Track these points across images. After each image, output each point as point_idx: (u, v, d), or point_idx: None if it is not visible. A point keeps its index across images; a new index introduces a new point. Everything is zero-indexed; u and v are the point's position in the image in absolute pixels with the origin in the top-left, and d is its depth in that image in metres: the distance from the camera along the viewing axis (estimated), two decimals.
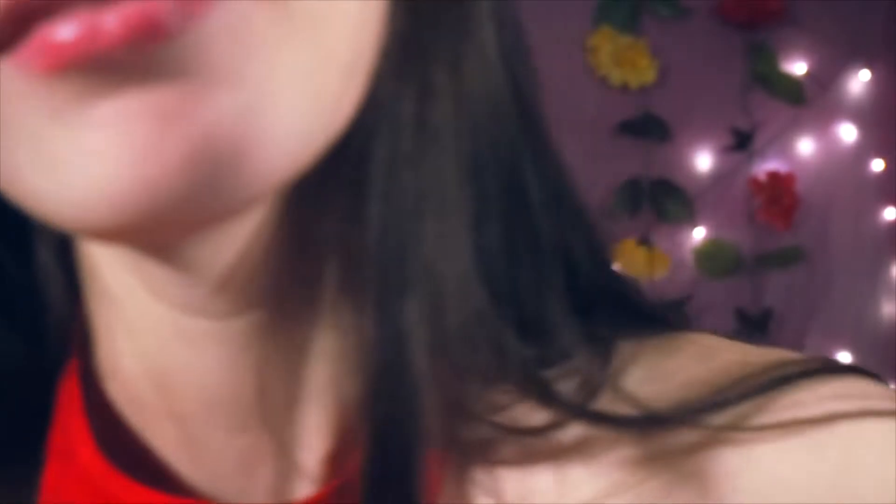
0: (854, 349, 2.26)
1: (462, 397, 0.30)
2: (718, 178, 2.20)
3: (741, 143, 2.19)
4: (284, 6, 0.23)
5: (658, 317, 0.36)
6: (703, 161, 2.20)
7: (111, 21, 0.21)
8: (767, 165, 2.22)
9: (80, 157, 0.23)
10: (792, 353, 0.34)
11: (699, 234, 2.20)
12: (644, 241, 2.14)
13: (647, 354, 0.33)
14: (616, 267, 0.38)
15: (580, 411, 0.30)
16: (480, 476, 0.30)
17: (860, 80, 2.28)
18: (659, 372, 0.32)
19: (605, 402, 0.31)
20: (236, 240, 0.29)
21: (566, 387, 0.31)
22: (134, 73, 0.22)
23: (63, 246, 0.33)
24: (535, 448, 0.30)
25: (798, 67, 2.24)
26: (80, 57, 0.22)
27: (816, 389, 0.31)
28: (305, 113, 0.24)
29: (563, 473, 0.30)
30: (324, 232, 0.30)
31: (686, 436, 0.30)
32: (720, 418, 0.30)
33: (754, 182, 2.20)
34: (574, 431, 0.31)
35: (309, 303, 0.31)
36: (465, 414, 0.30)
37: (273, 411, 0.31)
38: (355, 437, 0.31)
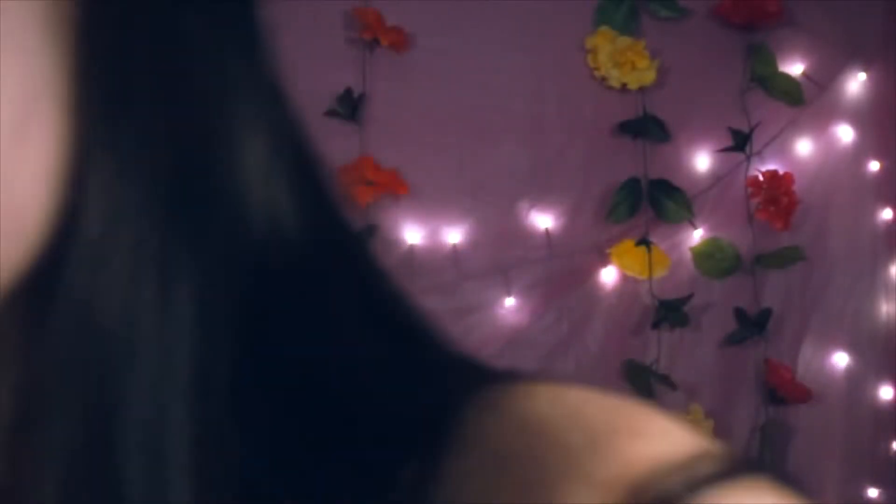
0: (852, 349, 2.27)
1: None
2: (717, 178, 2.21)
3: (740, 143, 2.20)
4: None
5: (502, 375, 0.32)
6: (702, 161, 2.21)
7: None
8: (766, 166, 2.22)
9: None
10: (664, 434, 0.27)
11: (698, 234, 2.21)
12: (643, 242, 2.15)
13: (488, 428, 0.29)
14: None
15: None
16: None
17: (858, 82, 2.29)
18: (494, 455, 0.28)
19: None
20: None
21: None
22: None
23: None
24: None
25: (796, 68, 2.25)
26: None
27: None
28: None
29: None
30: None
31: None
32: None
33: (753, 182, 2.20)
34: None
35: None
36: None
37: None
38: None
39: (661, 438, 0.27)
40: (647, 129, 2.16)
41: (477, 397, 0.30)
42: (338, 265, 0.32)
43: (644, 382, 2.14)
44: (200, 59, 0.28)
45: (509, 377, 0.31)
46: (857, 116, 2.28)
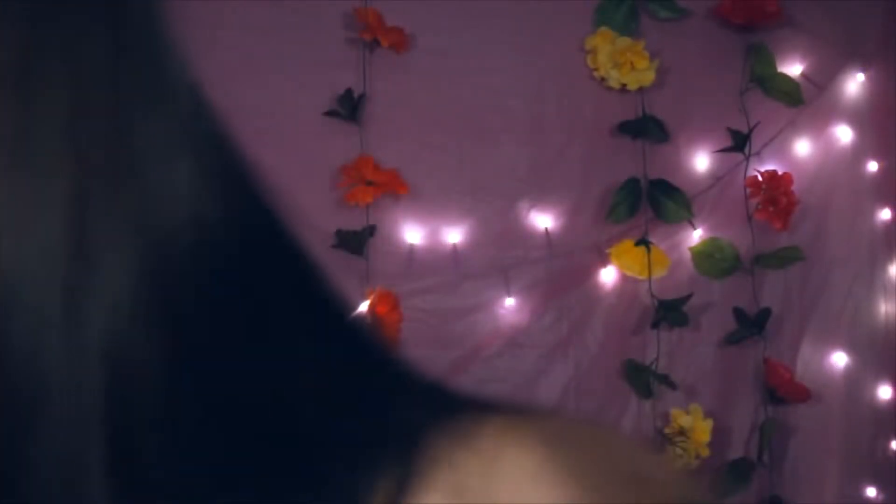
0: (850, 348, 2.27)
1: None
2: (716, 178, 2.22)
3: (739, 143, 2.20)
4: None
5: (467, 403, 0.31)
6: (702, 161, 2.22)
7: None
8: (765, 166, 2.23)
9: None
10: None
11: (697, 234, 2.21)
12: (643, 242, 2.15)
13: (455, 461, 0.28)
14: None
15: None
16: None
17: (857, 82, 2.29)
18: (458, 489, 0.28)
19: None
20: None
21: None
22: None
23: None
24: None
25: (795, 69, 2.26)
26: None
27: None
28: None
29: None
30: None
31: None
32: None
33: (752, 182, 2.21)
34: None
35: None
36: None
37: None
38: None
39: (652, 491, 0.26)
40: (646, 129, 2.17)
41: (444, 425, 0.29)
42: (274, 277, 0.31)
43: (644, 382, 2.15)
44: (109, 76, 0.29)
45: (479, 406, 0.30)
46: (855, 117, 2.29)
